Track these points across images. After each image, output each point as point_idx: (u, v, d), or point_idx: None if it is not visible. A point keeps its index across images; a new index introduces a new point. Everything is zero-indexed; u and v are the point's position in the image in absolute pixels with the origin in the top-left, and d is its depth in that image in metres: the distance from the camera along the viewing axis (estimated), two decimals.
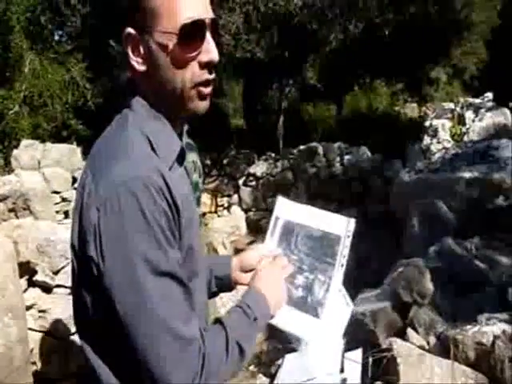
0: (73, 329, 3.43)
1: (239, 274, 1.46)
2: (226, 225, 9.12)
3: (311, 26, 10.00)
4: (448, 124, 7.87)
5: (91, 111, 8.63)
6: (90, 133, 8.23)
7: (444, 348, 3.60)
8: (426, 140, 7.86)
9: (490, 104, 7.90)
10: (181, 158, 1.11)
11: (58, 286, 3.76)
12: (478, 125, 7.41)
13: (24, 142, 6.29)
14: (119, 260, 0.94)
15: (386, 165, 8.77)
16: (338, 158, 9.23)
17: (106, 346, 1.05)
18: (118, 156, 1.00)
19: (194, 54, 1.04)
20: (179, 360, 0.96)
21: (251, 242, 8.25)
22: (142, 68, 1.06)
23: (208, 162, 10.73)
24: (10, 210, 4.27)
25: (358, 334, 4.32)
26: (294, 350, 2.81)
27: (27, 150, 6.04)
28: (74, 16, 9.71)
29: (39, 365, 3.57)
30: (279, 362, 2.83)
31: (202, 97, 1.09)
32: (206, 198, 9.69)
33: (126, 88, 1.12)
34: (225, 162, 10.51)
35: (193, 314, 1.02)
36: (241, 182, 10.08)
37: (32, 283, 3.77)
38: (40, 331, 3.66)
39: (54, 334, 3.68)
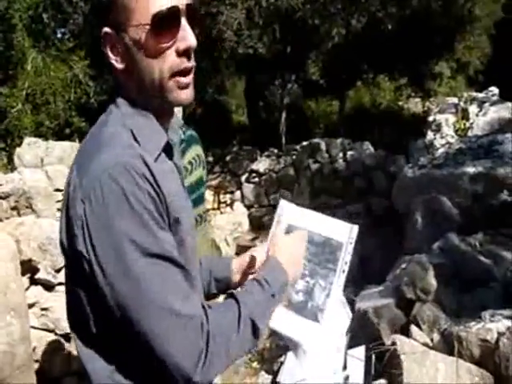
0: None
1: (239, 277, 1.44)
2: (228, 221, 9.11)
3: (313, 21, 9.96)
4: (452, 119, 7.82)
5: (94, 109, 8.62)
6: None
7: (448, 345, 3.59)
8: (430, 135, 7.82)
9: (494, 98, 7.85)
10: (169, 153, 1.10)
11: (60, 283, 3.76)
12: (482, 119, 7.37)
13: (27, 140, 6.29)
14: (108, 248, 0.93)
15: (389, 160, 8.74)
16: (341, 154, 9.20)
17: (101, 343, 1.03)
18: (100, 149, 0.99)
19: (169, 42, 1.03)
20: (181, 338, 0.95)
21: (254, 239, 8.25)
22: (120, 66, 1.06)
23: (210, 158, 10.72)
24: (13, 208, 4.26)
25: (361, 331, 4.31)
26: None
27: (30, 148, 6.03)
28: (76, 13, 9.70)
29: (42, 363, 3.58)
30: (282, 359, 2.81)
31: (181, 87, 1.06)
32: (208, 194, 9.69)
33: (114, 86, 1.13)
34: (227, 158, 10.50)
35: (192, 291, 1.01)
36: (243, 178, 10.07)
37: (34, 281, 3.78)
38: (42, 329, 3.66)
39: (57, 332, 3.68)
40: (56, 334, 3.68)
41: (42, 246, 3.76)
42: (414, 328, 3.93)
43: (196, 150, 2.27)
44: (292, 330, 1.35)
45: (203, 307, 1.01)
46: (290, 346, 1.40)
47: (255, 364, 4.78)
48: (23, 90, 8.22)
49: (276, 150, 10.26)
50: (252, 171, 10.02)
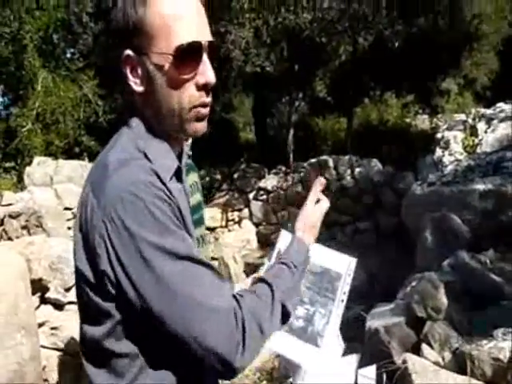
0: None
1: None
2: (236, 239, 9.11)
3: (321, 39, 10.03)
4: (460, 135, 7.83)
5: (103, 127, 8.70)
6: (101, 149, 8.25)
7: (459, 364, 3.55)
8: (438, 152, 7.82)
9: (502, 115, 7.85)
10: (178, 176, 1.13)
11: (70, 302, 3.77)
12: (490, 136, 7.36)
13: (37, 159, 6.35)
14: (137, 261, 0.94)
15: (397, 177, 8.73)
16: (349, 171, 9.21)
17: (121, 361, 1.04)
18: (117, 169, 1.00)
19: (189, 75, 1.05)
20: (222, 332, 0.98)
21: (262, 256, 8.23)
22: (139, 89, 1.07)
23: (218, 176, 10.74)
24: (23, 227, 4.29)
25: (371, 350, 4.28)
26: None
27: (40, 167, 6.08)
28: (86, 33, 9.84)
29: (51, 382, 3.57)
30: (291, 379, 2.79)
31: (200, 118, 1.10)
32: (216, 212, 9.70)
33: (125, 107, 1.15)
34: (235, 176, 10.52)
35: (224, 284, 1.04)
36: (251, 196, 10.07)
37: (44, 300, 3.78)
38: (52, 348, 3.66)
39: (66, 351, 3.68)
40: (66, 353, 3.67)
41: (52, 265, 3.78)
42: (425, 347, 3.89)
43: (194, 177, 2.34)
44: (293, 353, 1.39)
45: (234, 297, 1.04)
46: (291, 368, 1.44)
47: (264, 383, 4.74)
48: (33, 110, 8.31)
49: (284, 168, 10.28)
50: (260, 189, 10.03)
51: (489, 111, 8.22)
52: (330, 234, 8.99)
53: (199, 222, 2.35)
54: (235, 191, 10.30)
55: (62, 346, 3.67)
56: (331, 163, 9.34)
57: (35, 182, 5.85)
